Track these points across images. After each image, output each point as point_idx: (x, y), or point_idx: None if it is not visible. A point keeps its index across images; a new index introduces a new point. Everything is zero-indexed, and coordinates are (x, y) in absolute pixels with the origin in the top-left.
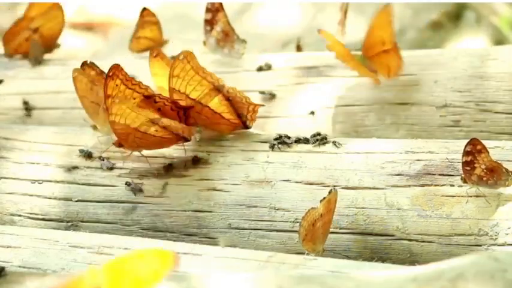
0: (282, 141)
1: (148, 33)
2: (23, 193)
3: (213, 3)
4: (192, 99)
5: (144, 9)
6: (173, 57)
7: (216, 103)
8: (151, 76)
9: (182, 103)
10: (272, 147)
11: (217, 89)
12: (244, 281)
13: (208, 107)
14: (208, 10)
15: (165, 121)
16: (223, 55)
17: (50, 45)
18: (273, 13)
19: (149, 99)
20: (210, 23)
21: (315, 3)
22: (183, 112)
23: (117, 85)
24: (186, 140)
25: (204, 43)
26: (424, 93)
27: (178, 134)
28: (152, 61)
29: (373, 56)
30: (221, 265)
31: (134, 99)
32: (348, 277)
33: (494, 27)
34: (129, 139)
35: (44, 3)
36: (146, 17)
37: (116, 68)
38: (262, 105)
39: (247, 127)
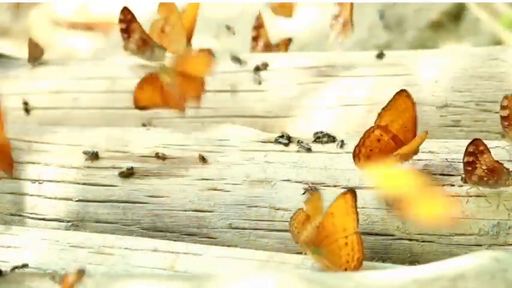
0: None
1: None
2: (23, 193)
3: (125, 15)
4: None
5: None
6: None
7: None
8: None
9: None
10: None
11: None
12: (244, 281)
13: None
14: (121, 21)
15: None
16: (145, 58)
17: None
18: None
19: None
20: (126, 31)
21: (316, 3)
22: None
23: None
24: None
25: (125, 48)
26: (424, 93)
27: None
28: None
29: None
30: (221, 265)
31: None
32: (348, 277)
33: (494, 27)
34: None
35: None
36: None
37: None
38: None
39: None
